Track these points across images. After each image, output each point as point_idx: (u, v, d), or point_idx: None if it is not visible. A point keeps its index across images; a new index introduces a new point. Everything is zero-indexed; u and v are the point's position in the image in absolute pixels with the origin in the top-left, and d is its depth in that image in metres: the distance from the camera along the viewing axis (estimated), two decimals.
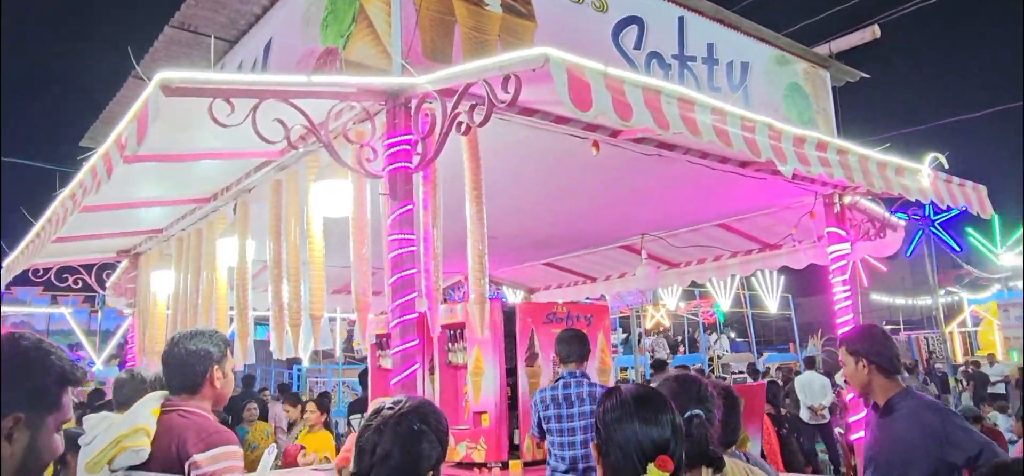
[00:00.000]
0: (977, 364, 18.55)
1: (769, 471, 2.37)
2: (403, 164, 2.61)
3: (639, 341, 22.94)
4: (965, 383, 17.69)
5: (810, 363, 13.05)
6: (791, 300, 25.97)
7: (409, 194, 2.62)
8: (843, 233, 4.66)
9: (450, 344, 5.53)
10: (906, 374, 10.01)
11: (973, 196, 4.08)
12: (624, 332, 22.67)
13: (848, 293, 4.64)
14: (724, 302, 23.21)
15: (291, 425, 6.68)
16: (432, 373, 5.69)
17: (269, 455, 5.30)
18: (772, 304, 24.77)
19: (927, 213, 27.99)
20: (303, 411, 6.62)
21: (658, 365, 12.88)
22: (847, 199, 4.69)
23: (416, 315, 2.58)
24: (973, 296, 26.91)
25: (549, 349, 5.13)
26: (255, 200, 3.89)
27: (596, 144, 3.37)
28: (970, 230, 27.68)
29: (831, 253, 4.71)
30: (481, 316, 2.75)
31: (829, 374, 15.10)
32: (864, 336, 3.55)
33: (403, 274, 2.56)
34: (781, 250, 5.64)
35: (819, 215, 4.74)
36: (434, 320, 2.77)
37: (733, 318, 26.45)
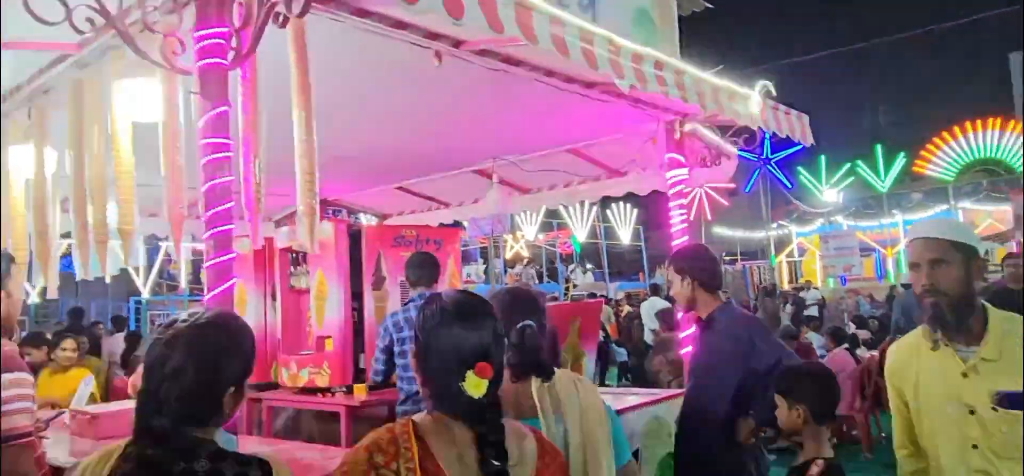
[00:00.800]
0: (800, 289, 20.43)
1: (592, 386, 2.41)
2: (216, 59, 2.35)
3: (505, 271, 23.36)
4: (783, 306, 19.46)
5: (655, 289, 13.81)
6: (642, 232, 27.35)
7: (224, 94, 2.37)
8: (682, 160, 4.84)
9: (292, 268, 5.30)
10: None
11: (797, 125, 4.34)
12: (484, 262, 22.97)
13: (685, 218, 4.85)
14: (581, 233, 24.06)
15: (37, 369, 5.24)
16: (274, 298, 5.45)
17: (86, 387, 4.89)
18: (625, 235, 25.98)
19: (765, 153, 30.24)
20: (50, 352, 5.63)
21: None
22: (687, 127, 4.85)
23: (231, 227, 2.37)
24: (800, 229, 29.51)
25: (397, 273, 5.03)
26: (54, 105, 3.43)
27: (438, 54, 3.23)
28: (800, 169, 30.23)
29: (670, 178, 4.88)
30: (310, 231, 2.58)
31: (672, 299, 16.14)
32: (689, 255, 3.72)
33: (216, 182, 2.33)
34: (627, 177, 5.79)
35: (661, 142, 4.88)
36: (256, 233, 2.56)
37: (589, 249, 27.51)
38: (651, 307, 13.25)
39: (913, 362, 2.27)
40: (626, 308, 17.16)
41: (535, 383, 2.26)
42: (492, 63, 3.31)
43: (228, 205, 2.34)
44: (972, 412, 2.09)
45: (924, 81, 63.04)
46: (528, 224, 23.13)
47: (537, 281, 23.50)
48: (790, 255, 29.67)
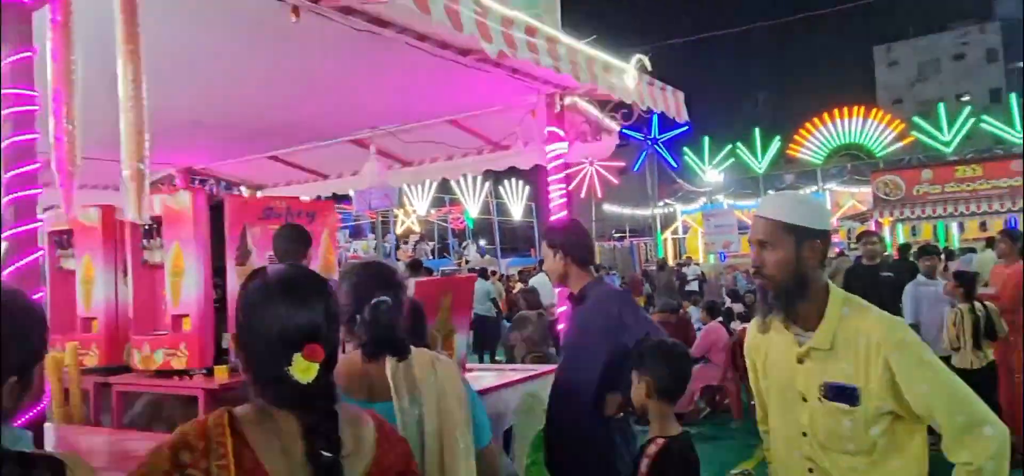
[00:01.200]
0: (682, 265, 21.23)
1: (451, 365, 2.28)
2: None
3: (396, 247, 22.92)
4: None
5: (540, 265, 13.94)
6: (534, 208, 27.61)
7: (27, 37, 2.05)
8: (562, 133, 4.78)
9: (145, 241, 4.86)
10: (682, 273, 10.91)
11: (672, 101, 4.37)
12: (374, 237, 22.49)
13: (564, 193, 4.80)
14: (473, 208, 23.97)
15: None
16: (125, 274, 4.99)
17: None
18: (517, 210, 26.12)
19: (652, 133, 31.15)
20: None
21: (414, 266, 12.94)
22: (567, 101, 4.79)
23: (38, 191, 2.06)
24: (685, 207, 30.70)
25: (265, 247, 4.72)
26: None
27: (296, 9, 2.98)
28: (686, 150, 31.36)
29: (550, 152, 4.81)
30: (137, 199, 2.29)
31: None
32: (561, 230, 3.67)
33: (18, 139, 2.02)
34: (510, 151, 5.70)
35: (541, 115, 4.80)
36: (69, 200, 2.25)
37: (482, 225, 27.54)
38: (540, 284, 13.37)
39: (763, 341, 2.19)
40: (517, 284, 17.25)
41: (389, 363, 2.12)
42: (356, 22, 3.08)
43: (32, 166, 2.03)
44: (804, 399, 2.01)
45: (798, 70, 67.04)
46: (419, 199, 22.79)
47: (431, 257, 23.25)
48: (675, 232, 30.84)
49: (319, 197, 6.85)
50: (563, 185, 4.79)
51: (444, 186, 23.95)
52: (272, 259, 4.61)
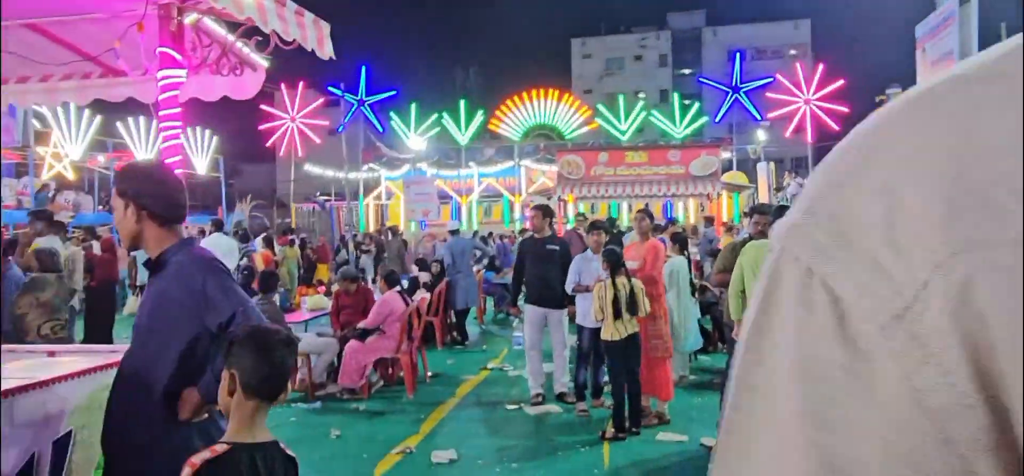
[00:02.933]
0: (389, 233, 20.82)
1: None
2: None
3: (52, 199, 19.07)
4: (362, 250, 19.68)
5: (218, 225, 12.43)
6: (222, 162, 25.05)
7: None
8: (178, 57, 3.81)
9: None
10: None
11: (312, 32, 3.67)
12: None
13: (176, 132, 3.84)
14: (145, 156, 20.84)
15: None
16: None
17: None
18: (201, 164, 23.45)
19: (360, 95, 30.25)
20: None
21: (42, 216, 10.56)
22: (189, 18, 3.83)
23: None
24: (389, 173, 30.35)
25: None
26: None
27: None
28: (393, 114, 31.00)
29: (163, 80, 3.82)
30: None
31: (245, 238, 14.94)
32: (136, 175, 2.80)
33: None
34: (125, 77, 4.53)
35: (151, 31, 3.78)
36: None
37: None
38: (213, 246, 11.88)
39: None
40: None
41: None
42: None
43: None
44: None
45: (508, 51, 70.86)
46: (71, 141, 19.17)
47: (97, 211, 19.80)
48: (378, 198, 30.39)
49: None
50: (178, 124, 3.83)
51: (109, 128, 20.47)
52: None
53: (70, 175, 20.22)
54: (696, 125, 29.47)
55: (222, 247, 11.90)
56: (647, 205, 18.94)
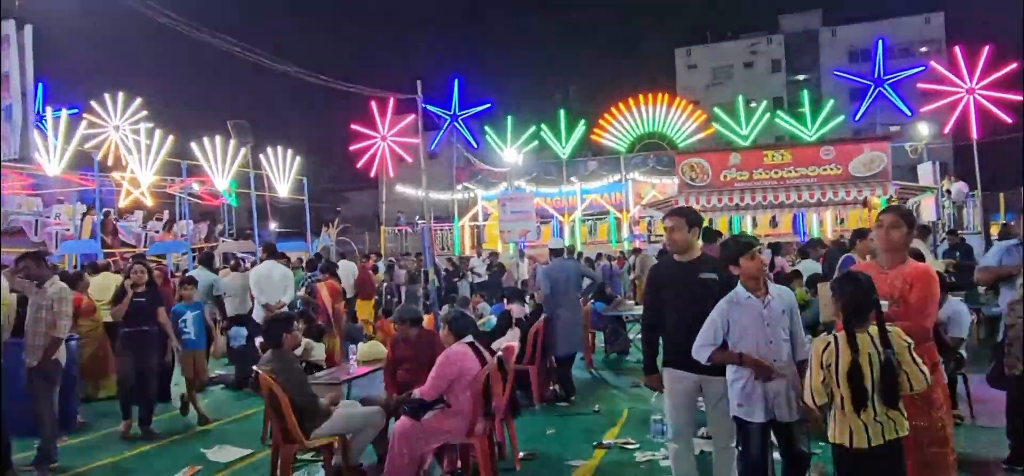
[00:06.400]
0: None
1: None
2: None
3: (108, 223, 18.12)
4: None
5: (271, 252, 10.39)
6: (305, 184, 23.55)
7: None
8: None
9: None
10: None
11: None
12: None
13: None
14: (222, 182, 19.53)
15: None
16: None
17: None
18: (283, 188, 21.99)
19: (454, 109, 28.39)
20: None
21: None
22: None
23: None
24: (485, 192, 28.25)
25: None
26: None
27: None
28: (487, 129, 28.92)
29: None
30: None
31: (331, 265, 12.94)
32: None
33: None
34: None
35: None
36: None
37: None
38: (265, 277, 9.85)
39: None
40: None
41: None
42: None
43: None
44: None
45: (607, 65, 68.03)
46: (143, 167, 17.98)
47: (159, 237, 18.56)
48: (474, 218, 28.34)
49: None
50: None
51: (181, 149, 19.30)
52: None
53: (148, 201, 19.18)
54: (831, 125, 25.63)
55: (274, 278, 9.85)
56: (905, 203, 15.31)
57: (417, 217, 30.68)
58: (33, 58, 8.05)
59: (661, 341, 4.58)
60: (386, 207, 29.46)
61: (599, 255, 17.76)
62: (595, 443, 6.48)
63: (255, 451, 6.56)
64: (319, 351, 7.95)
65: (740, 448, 4.01)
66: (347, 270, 13.69)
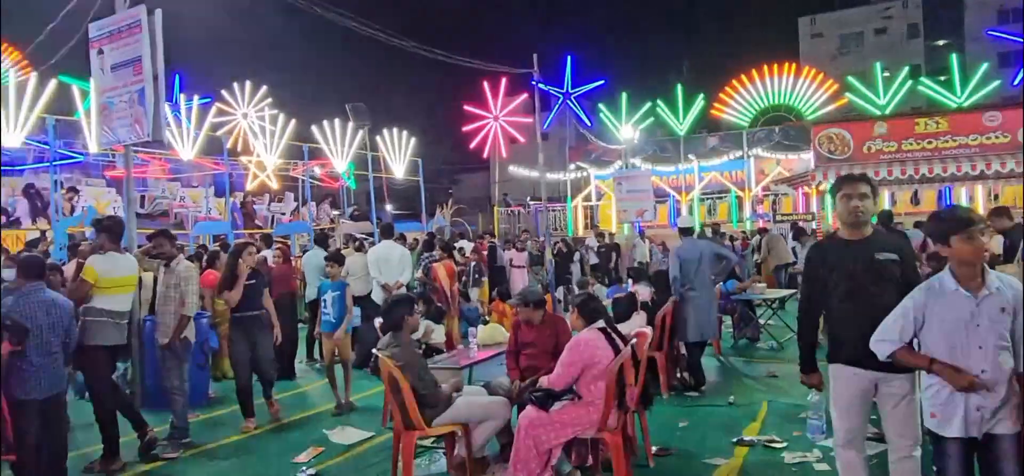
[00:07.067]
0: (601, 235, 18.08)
1: None
2: None
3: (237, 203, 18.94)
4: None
5: (388, 232, 10.31)
6: (420, 165, 23.73)
7: None
8: None
9: None
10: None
11: None
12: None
13: None
14: (340, 163, 19.92)
15: None
16: None
17: None
18: (399, 169, 22.26)
19: (565, 87, 27.85)
20: None
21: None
22: None
23: None
24: (599, 172, 27.61)
25: None
26: None
27: None
28: (601, 107, 28.18)
29: None
30: None
31: (448, 245, 12.85)
32: None
33: None
34: None
35: None
36: None
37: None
38: (384, 256, 9.79)
39: None
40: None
41: None
42: None
43: None
44: None
45: (725, 38, 65.10)
46: (268, 151, 18.60)
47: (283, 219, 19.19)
48: (587, 199, 27.76)
49: None
50: None
51: (302, 132, 19.81)
52: None
53: (274, 184, 19.90)
54: (983, 92, 23.11)
55: (392, 258, 9.78)
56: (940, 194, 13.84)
57: (528, 197, 30.43)
58: (162, 43, 8.17)
59: (827, 335, 3.94)
60: (498, 187, 29.38)
61: (722, 233, 16.77)
62: (735, 439, 5.88)
63: (376, 434, 6.42)
64: (439, 333, 7.74)
65: (936, 468, 3.34)
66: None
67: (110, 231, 5.95)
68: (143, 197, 18.85)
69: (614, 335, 4.87)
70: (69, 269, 7.94)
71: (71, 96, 15.08)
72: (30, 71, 15.71)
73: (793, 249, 14.33)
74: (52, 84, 14.04)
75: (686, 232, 8.13)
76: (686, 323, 7.69)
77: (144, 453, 5.88)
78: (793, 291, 11.45)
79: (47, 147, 14.65)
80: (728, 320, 10.67)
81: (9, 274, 6.35)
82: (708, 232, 15.14)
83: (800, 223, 16.42)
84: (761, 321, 10.87)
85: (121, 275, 5.81)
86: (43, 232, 14.24)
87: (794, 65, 27.04)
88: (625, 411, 4.85)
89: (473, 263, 12.74)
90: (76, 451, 5.93)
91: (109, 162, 18.38)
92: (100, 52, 8.29)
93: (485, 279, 13.06)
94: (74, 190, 18.30)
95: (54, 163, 14.94)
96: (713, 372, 8.50)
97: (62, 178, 17.81)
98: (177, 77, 22.05)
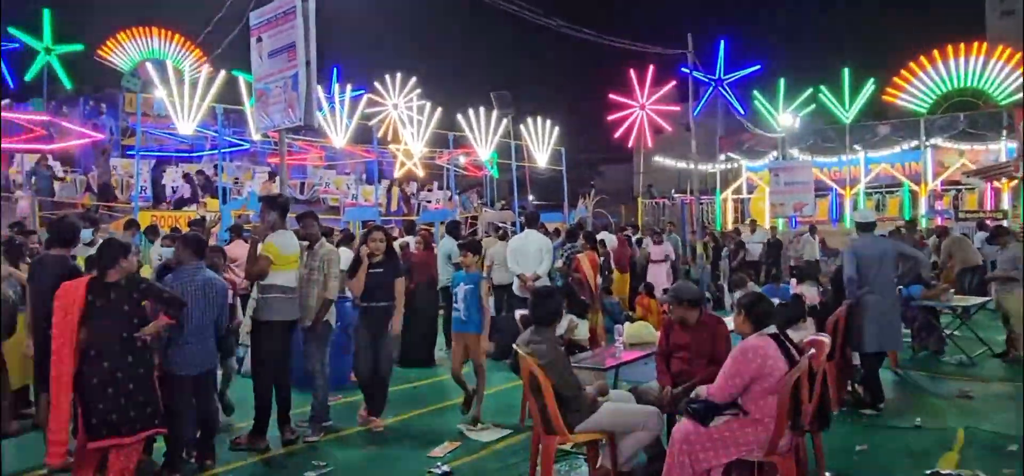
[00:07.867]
0: (737, 232, 16.93)
1: None
2: None
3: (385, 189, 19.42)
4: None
5: (533, 220, 9.96)
6: (563, 155, 23.31)
7: None
8: None
9: None
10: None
11: None
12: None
13: None
14: (484, 151, 19.88)
15: None
16: None
17: None
18: (542, 158, 21.96)
19: (718, 73, 26.43)
20: None
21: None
22: None
23: None
24: (751, 163, 26.02)
25: None
26: None
27: None
28: (756, 93, 26.48)
29: None
30: None
31: (591, 235, 12.41)
32: None
33: None
34: None
35: None
36: None
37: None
38: (521, 247, 9.49)
39: None
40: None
41: None
42: None
43: None
44: None
45: (893, 20, 59.48)
46: (416, 138, 18.90)
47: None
48: (738, 191, 26.23)
49: None
50: None
51: (448, 121, 20.01)
52: None
53: (420, 172, 20.30)
54: None
55: (529, 248, 9.43)
56: None
57: (672, 190, 29.25)
58: (315, 30, 8.25)
59: None
60: (642, 178, 28.46)
61: (918, 230, 15.05)
62: (929, 472, 5.00)
63: (514, 432, 6.09)
64: (583, 329, 7.31)
65: None
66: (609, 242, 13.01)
67: (283, 209, 6.03)
68: (302, 184, 19.88)
69: (788, 343, 4.21)
70: (231, 250, 8.27)
71: (239, 89, 16.06)
72: (204, 62, 16.85)
73: (981, 250, 12.62)
74: (222, 75, 14.96)
75: (865, 227, 7.15)
76: (863, 331, 6.76)
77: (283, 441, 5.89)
78: (987, 298, 10.00)
79: (215, 135, 15.67)
80: (906, 330, 9.42)
81: (169, 253, 6.61)
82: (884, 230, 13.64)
83: (990, 221, 14.44)
84: (946, 332, 9.53)
85: (292, 252, 5.87)
86: (204, 216, 15.23)
87: (984, 45, 24.00)
88: (799, 432, 4.18)
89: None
90: (225, 429, 6.07)
91: (273, 150, 19.47)
92: (259, 40, 8.54)
93: (614, 275, 12.45)
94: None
95: (222, 151, 15.96)
96: (891, 388, 7.47)
97: (233, 165, 19.08)
98: (335, 69, 23.08)
